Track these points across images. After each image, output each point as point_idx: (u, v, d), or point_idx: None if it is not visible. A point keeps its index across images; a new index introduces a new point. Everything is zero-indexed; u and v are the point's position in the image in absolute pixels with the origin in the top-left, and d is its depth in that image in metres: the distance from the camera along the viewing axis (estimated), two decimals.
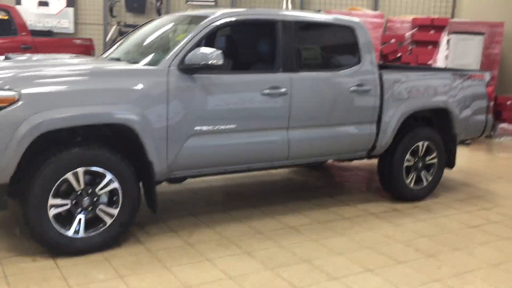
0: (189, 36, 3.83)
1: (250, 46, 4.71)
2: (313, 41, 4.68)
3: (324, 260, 3.63)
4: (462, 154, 7.57)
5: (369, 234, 4.17)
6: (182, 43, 3.77)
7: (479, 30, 8.52)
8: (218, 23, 3.99)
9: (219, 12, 4.08)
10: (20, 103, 3.17)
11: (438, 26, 8.96)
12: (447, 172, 6.00)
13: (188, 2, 10.85)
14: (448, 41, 8.61)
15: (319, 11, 4.92)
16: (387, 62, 9.16)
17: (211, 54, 3.61)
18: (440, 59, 8.82)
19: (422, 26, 9.11)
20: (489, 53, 8.77)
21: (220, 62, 3.63)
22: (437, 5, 9.81)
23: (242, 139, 3.99)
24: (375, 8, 9.90)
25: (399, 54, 9.24)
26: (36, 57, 4.24)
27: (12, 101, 3.16)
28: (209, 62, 3.60)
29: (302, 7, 10.15)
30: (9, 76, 3.28)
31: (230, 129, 3.91)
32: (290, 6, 10.08)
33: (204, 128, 3.77)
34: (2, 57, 4.17)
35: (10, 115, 3.15)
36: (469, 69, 6.25)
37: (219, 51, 3.63)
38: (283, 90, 4.08)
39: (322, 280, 3.32)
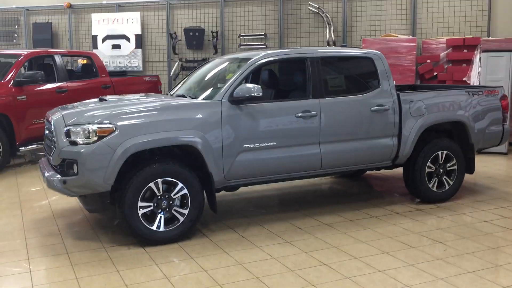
0: (237, 74, 4.95)
1: (286, 79, 5.79)
2: (338, 71, 5.69)
3: (350, 246, 4.56)
4: (497, 163, 8.20)
5: (391, 228, 5.04)
6: (231, 80, 4.90)
7: (509, 48, 9.13)
8: (259, 62, 5.10)
9: (261, 54, 5.19)
10: (116, 132, 4.39)
11: (470, 46, 9.65)
12: (476, 178, 6.74)
13: (240, 37, 12.10)
14: (480, 58, 9.28)
15: (344, 45, 5.92)
16: (423, 81, 9.93)
17: (253, 88, 4.71)
18: (474, 76, 9.49)
19: (455, 46, 9.83)
20: None
21: (261, 94, 4.72)
22: (473, 25, 10.47)
23: (282, 154, 5.02)
24: (413, 32, 10.71)
25: (435, 73, 9.98)
26: (123, 97, 5.49)
27: (111, 131, 4.39)
28: (252, 94, 4.70)
29: (344, 36, 11.13)
30: (107, 113, 4.52)
31: (272, 146, 4.96)
32: (333, 36, 11.09)
33: (251, 145, 4.85)
34: (97, 99, 5.45)
35: (110, 142, 4.37)
36: (483, 85, 6.99)
37: (259, 86, 4.73)
38: (313, 113, 5.10)
39: (346, 259, 4.26)
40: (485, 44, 9.44)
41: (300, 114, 5.05)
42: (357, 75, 5.78)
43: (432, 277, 3.87)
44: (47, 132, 4.91)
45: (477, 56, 9.52)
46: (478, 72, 9.33)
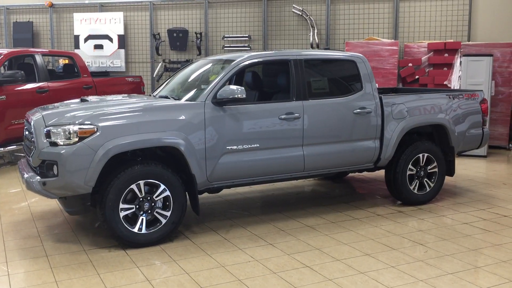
0: (220, 76, 4.94)
1: (269, 81, 5.79)
2: (321, 74, 5.71)
3: (332, 248, 4.57)
4: (476, 165, 8.31)
5: (373, 230, 5.07)
6: (215, 82, 4.89)
7: (489, 52, 9.28)
8: (243, 64, 5.10)
9: (244, 55, 5.18)
10: (97, 133, 4.34)
11: (451, 50, 9.79)
12: (456, 180, 6.82)
13: (224, 39, 12.09)
14: (460, 62, 9.40)
15: (327, 48, 5.95)
16: (405, 85, 10.04)
17: (237, 89, 4.71)
18: (454, 80, 9.62)
19: (436, 50, 9.96)
20: (502, 72, 9.49)
21: (244, 95, 4.71)
22: (454, 30, 10.61)
23: (265, 155, 5.02)
24: (395, 35, 10.81)
25: (416, 77, 10.09)
26: (105, 98, 5.44)
27: (92, 133, 4.33)
28: (236, 96, 4.69)
29: (327, 39, 11.19)
30: (88, 114, 4.47)
31: (255, 148, 4.95)
32: (316, 39, 11.14)
33: (234, 147, 4.84)
34: (79, 100, 5.39)
35: (91, 143, 4.31)
36: (463, 89, 7.10)
37: (243, 88, 4.72)
38: (296, 115, 5.11)
39: (328, 261, 4.27)
40: (465, 48, 9.58)
41: (283, 116, 5.06)
42: (340, 78, 5.81)
43: (413, 279, 3.90)
44: (27, 132, 4.83)
45: (457, 60, 9.65)
46: (459, 76, 9.46)
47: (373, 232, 4.99)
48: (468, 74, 9.10)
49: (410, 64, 10.05)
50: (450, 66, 9.81)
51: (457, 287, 3.78)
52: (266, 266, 4.14)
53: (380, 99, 5.64)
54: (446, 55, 9.86)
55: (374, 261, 4.25)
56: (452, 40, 10.26)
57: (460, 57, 9.49)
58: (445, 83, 9.75)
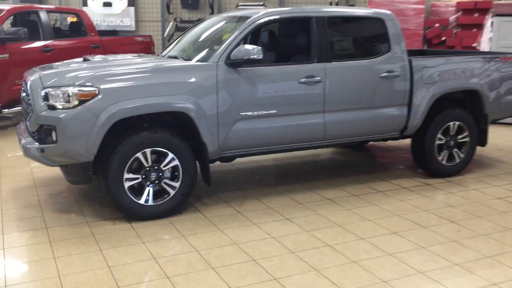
0: (234, 34, 4.46)
1: (288, 40, 5.30)
2: (345, 33, 5.20)
3: (355, 224, 4.19)
4: (506, 134, 7.81)
5: (399, 204, 4.68)
6: (228, 41, 4.42)
7: None
8: (259, 22, 4.60)
9: (261, 12, 4.69)
10: (99, 96, 3.94)
11: (482, 9, 9.11)
12: (485, 150, 6.36)
13: (239, 7, 11.47)
14: (492, 23, 8.76)
15: (352, 5, 5.41)
16: (430, 47, 9.43)
17: (252, 50, 4.24)
18: (484, 41, 8.99)
19: (466, 9, 9.29)
20: None
21: (261, 56, 4.25)
22: None
23: (282, 122, 4.60)
24: None
25: (443, 38, 9.47)
26: (109, 57, 5.01)
27: (93, 95, 3.93)
28: (251, 57, 4.23)
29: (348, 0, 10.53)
30: (90, 75, 4.06)
31: (272, 114, 4.52)
32: None
33: (249, 113, 4.42)
34: (81, 59, 4.97)
35: (92, 106, 3.92)
36: (499, 52, 6.53)
37: (260, 47, 4.25)
38: (317, 78, 4.65)
39: (351, 239, 3.90)
40: (497, 8, 8.88)
41: (303, 80, 4.60)
42: (366, 38, 5.29)
43: (447, 262, 3.52)
44: (24, 94, 4.45)
45: (488, 21, 8.98)
46: (489, 38, 8.82)
47: (399, 207, 4.60)
48: (500, 36, 8.48)
49: (436, 25, 9.40)
50: (480, 27, 9.15)
51: (499, 273, 3.38)
52: (283, 244, 3.79)
53: (410, 61, 5.14)
54: (476, 15, 9.19)
55: (403, 241, 3.87)
56: None
57: (492, 17, 8.82)
58: (474, 45, 9.13)
